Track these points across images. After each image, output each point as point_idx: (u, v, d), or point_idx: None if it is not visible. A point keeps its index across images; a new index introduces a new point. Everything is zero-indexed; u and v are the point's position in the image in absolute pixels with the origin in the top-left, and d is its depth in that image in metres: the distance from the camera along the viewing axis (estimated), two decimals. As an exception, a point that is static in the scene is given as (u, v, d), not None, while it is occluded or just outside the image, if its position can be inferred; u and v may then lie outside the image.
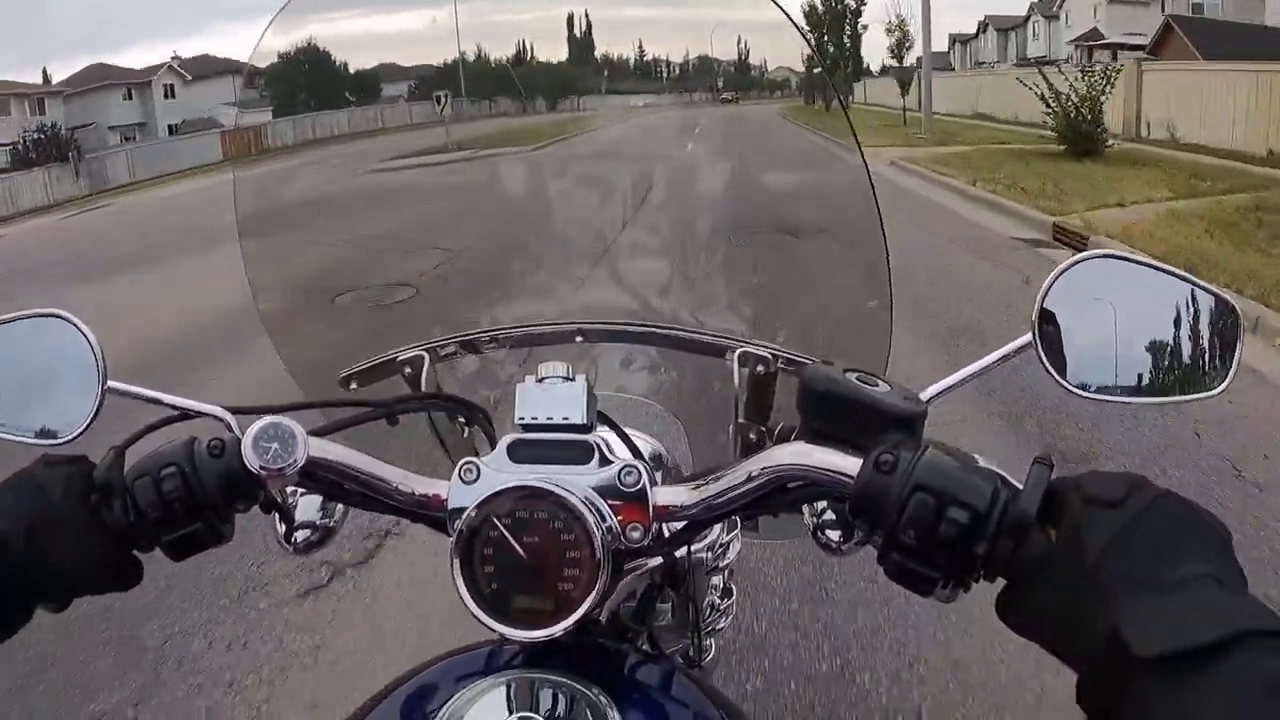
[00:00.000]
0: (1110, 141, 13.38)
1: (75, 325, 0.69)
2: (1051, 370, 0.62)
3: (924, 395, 0.64)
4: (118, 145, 35.85)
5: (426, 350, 0.95)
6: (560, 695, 0.59)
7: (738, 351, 0.91)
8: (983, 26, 50.49)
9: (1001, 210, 9.47)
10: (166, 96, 41.36)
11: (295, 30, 1.08)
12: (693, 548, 0.85)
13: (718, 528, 0.96)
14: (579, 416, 0.67)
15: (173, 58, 42.56)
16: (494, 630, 0.62)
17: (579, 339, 0.97)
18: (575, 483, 0.63)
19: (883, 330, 0.91)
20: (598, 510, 0.62)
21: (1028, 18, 46.11)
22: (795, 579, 2.59)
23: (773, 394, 0.90)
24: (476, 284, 1.35)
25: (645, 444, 0.91)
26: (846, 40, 31.73)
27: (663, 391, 1.11)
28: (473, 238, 1.47)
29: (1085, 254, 0.63)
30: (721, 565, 1.00)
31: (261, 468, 0.61)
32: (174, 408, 0.69)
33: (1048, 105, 13.41)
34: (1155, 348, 0.63)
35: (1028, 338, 0.62)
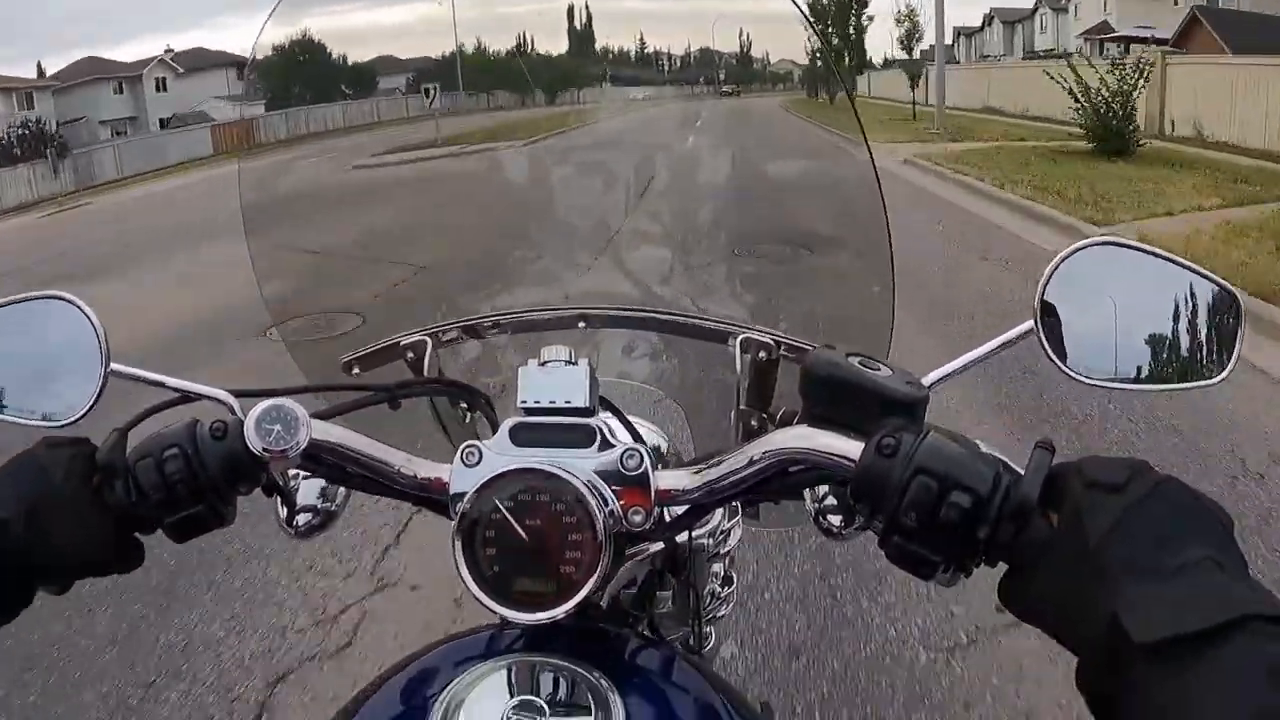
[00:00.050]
0: (1142, 140, 12.55)
1: (79, 307, 0.69)
2: (1053, 356, 0.63)
3: (926, 380, 0.64)
4: (107, 140, 35.46)
5: (429, 335, 0.95)
6: (561, 679, 0.59)
7: (740, 337, 0.91)
8: (988, 19, 49.62)
9: (1039, 219, 8.39)
10: (158, 90, 40.95)
11: (293, 23, 1.08)
12: (694, 534, 0.85)
13: (719, 514, 0.96)
14: (581, 400, 0.67)
15: (165, 51, 42.31)
16: (496, 612, 0.62)
17: (581, 325, 0.97)
18: (577, 465, 0.63)
19: (885, 315, 0.91)
20: (599, 493, 0.62)
21: (1035, 10, 45.40)
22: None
23: (774, 380, 0.90)
24: (477, 276, 1.35)
25: (647, 429, 0.91)
26: (851, 32, 31.60)
27: (665, 377, 1.11)
28: (457, 234, 1.45)
29: (1087, 240, 0.64)
30: (722, 552, 1.00)
31: (264, 450, 0.61)
32: (176, 390, 0.69)
33: (1076, 100, 12.51)
34: (1156, 335, 0.64)
35: (1029, 323, 0.62)
